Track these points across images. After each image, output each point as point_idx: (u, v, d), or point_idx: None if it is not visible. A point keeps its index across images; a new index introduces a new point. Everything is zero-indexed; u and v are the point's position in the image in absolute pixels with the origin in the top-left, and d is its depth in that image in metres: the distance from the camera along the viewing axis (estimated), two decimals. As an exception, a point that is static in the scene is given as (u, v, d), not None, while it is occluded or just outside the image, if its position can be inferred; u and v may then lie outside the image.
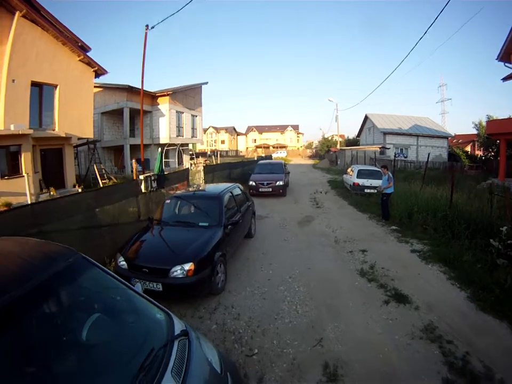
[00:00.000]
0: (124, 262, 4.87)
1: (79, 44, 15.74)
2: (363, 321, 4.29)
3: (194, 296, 4.84)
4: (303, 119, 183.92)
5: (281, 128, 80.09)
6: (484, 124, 33.11)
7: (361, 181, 13.95)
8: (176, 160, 27.86)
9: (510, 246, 6.05)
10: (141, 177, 8.75)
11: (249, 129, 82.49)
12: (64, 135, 14.45)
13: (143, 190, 8.35)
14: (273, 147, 71.83)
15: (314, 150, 66.08)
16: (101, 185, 15.95)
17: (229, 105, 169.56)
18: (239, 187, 8.05)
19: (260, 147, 71.39)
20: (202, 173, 12.03)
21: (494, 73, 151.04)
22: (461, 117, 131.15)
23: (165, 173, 10.25)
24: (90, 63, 16.13)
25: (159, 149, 11.26)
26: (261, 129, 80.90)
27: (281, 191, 14.23)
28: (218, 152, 52.35)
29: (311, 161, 48.41)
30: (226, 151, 64.72)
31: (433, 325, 4.14)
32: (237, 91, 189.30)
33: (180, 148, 29.14)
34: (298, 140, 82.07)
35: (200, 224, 5.84)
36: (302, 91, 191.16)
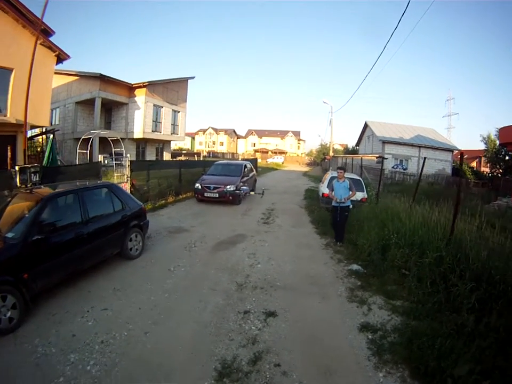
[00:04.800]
0: None
1: (42, 27, 14.05)
2: None
3: None
4: (306, 127, 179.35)
5: (282, 134, 77.37)
6: (493, 137, 30.57)
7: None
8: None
9: None
10: (16, 167, 6.78)
11: (249, 132, 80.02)
12: (15, 122, 12.79)
13: (18, 184, 6.57)
14: (272, 152, 69.55)
15: (312, 158, 63.88)
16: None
17: (231, 107, 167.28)
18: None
19: (258, 151, 69.13)
20: (128, 170, 9.55)
21: (503, 85, 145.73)
22: (467, 133, 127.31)
23: (60, 164, 8.04)
24: (51, 47, 14.65)
25: (50, 136, 9.06)
26: (261, 133, 78.30)
27: (230, 197, 11.46)
28: (211, 153, 50.47)
29: (306, 169, 45.59)
30: (223, 153, 62.46)
31: None
32: (240, 92, 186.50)
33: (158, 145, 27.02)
34: (299, 146, 79.28)
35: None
36: (305, 97, 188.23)
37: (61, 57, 15.35)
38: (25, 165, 7.03)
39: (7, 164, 13.27)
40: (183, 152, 49.38)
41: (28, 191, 5.06)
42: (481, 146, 34.42)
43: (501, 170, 28.79)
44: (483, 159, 36.96)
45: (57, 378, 2.90)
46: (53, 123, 23.90)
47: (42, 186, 5.66)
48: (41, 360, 3.14)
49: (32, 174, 6.89)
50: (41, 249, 4.07)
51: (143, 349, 3.35)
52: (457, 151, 33.99)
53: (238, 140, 79.71)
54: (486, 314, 3.72)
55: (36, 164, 7.48)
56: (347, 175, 13.16)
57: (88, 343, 3.42)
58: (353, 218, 8.33)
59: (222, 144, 74.91)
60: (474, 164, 40.04)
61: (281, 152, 70.04)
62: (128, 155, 10.19)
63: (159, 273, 5.36)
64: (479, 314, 3.77)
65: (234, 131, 78.29)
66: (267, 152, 69.03)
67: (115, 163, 9.98)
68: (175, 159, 25.22)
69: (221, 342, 3.52)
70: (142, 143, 25.90)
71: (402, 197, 9.98)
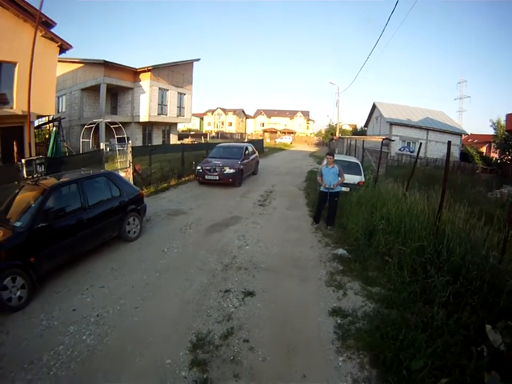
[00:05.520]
0: None
1: (43, 20, 14.63)
2: None
3: None
4: (315, 107, 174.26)
5: (291, 114, 76.55)
6: (503, 122, 29.83)
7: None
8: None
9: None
10: (22, 160, 7.28)
11: (258, 112, 79.30)
12: (21, 113, 13.42)
13: (25, 176, 7.03)
14: (281, 132, 69.06)
15: (321, 138, 63.38)
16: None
17: (240, 87, 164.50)
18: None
19: (267, 131, 68.79)
20: (130, 155, 9.99)
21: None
22: (479, 117, 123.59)
23: (68, 151, 8.54)
24: (53, 38, 15.12)
25: (54, 128, 9.52)
26: (270, 113, 77.60)
27: (230, 180, 11.85)
28: (220, 134, 50.63)
29: (314, 149, 45.31)
30: (232, 134, 62.32)
31: None
32: (249, 72, 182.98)
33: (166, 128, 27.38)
34: (308, 126, 78.46)
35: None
36: (315, 77, 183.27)
37: (63, 47, 15.80)
38: (31, 158, 7.53)
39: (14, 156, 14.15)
40: (191, 133, 49.75)
41: (33, 183, 5.54)
42: (492, 131, 33.73)
43: (510, 157, 27.97)
44: (493, 144, 36.29)
45: (57, 346, 3.42)
46: (60, 110, 24.46)
47: (48, 177, 6.09)
48: (45, 332, 3.67)
49: (38, 166, 7.40)
50: (45, 235, 4.59)
51: (131, 322, 3.87)
52: (466, 135, 33.36)
53: (247, 119, 79.23)
54: (460, 310, 3.69)
55: (41, 156, 7.98)
56: (347, 158, 13.40)
57: (85, 316, 3.94)
58: (346, 202, 8.44)
59: (230, 124, 74.66)
60: (484, 149, 39.22)
61: (290, 132, 69.50)
62: (130, 141, 10.59)
63: (153, 254, 5.87)
64: (453, 309, 3.74)
65: (243, 111, 77.76)
66: (276, 132, 68.58)
67: (118, 149, 10.39)
68: (178, 143, 25.57)
69: (199, 318, 3.99)
70: (148, 126, 26.32)
71: (399, 181, 9.74)
